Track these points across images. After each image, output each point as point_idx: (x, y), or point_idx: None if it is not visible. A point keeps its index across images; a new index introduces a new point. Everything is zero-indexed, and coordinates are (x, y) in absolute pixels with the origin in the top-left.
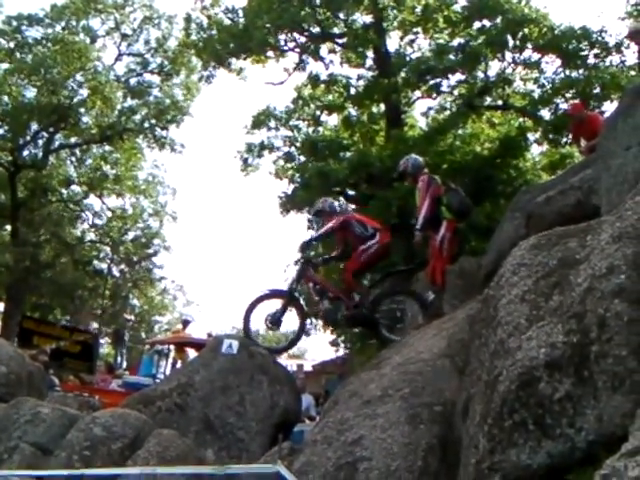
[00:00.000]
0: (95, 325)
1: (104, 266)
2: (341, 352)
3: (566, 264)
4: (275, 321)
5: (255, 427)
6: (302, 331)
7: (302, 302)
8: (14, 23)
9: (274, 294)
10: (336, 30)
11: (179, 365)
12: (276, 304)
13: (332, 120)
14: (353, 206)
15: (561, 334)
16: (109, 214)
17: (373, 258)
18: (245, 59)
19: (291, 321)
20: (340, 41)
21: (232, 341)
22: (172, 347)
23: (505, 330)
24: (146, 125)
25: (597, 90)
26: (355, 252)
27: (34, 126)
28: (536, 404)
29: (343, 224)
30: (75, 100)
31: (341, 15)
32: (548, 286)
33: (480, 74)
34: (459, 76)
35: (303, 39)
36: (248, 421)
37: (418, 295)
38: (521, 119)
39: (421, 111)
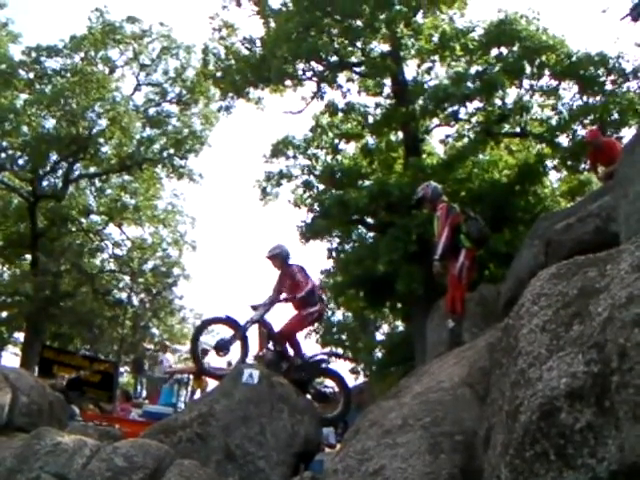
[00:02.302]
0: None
1: (124, 295)
2: (360, 380)
3: (586, 294)
4: (222, 347)
5: (276, 457)
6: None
7: (249, 343)
8: (33, 54)
9: (229, 322)
10: (354, 59)
11: (198, 394)
12: (227, 331)
13: (350, 148)
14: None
15: (582, 364)
16: (129, 244)
17: (309, 325)
18: (263, 89)
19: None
20: (358, 70)
21: (253, 371)
22: (191, 376)
23: (525, 360)
24: (165, 155)
25: (615, 116)
26: (300, 315)
27: (53, 156)
28: (557, 434)
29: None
30: (94, 130)
31: (358, 44)
32: (568, 316)
33: (498, 101)
34: (477, 104)
35: (321, 68)
36: (269, 451)
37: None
38: (539, 146)
39: (439, 139)
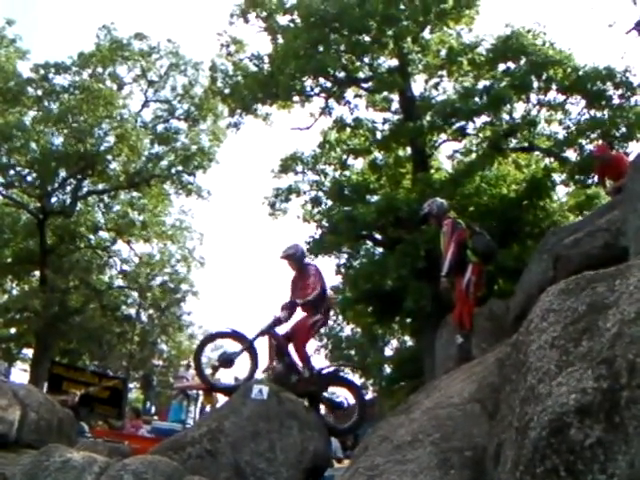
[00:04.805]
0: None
1: (132, 312)
2: (369, 395)
3: (595, 309)
4: (227, 360)
5: (285, 473)
6: (248, 380)
7: (258, 356)
8: (41, 71)
9: (235, 336)
10: (361, 74)
11: (207, 410)
12: (234, 345)
13: (358, 164)
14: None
15: (591, 380)
16: (137, 260)
17: (314, 335)
18: (271, 105)
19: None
20: (365, 85)
21: (262, 387)
22: (201, 392)
23: (535, 376)
24: (173, 171)
25: (622, 130)
26: (306, 324)
27: (62, 173)
28: (567, 450)
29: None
30: (102, 147)
31: (366, 59)
32: (577, 332)
33: (505, 116)
34: (484, 118)
35: (328, 84)
36: (278, 467)
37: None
38: (547, 160)
39: (447, 154)
